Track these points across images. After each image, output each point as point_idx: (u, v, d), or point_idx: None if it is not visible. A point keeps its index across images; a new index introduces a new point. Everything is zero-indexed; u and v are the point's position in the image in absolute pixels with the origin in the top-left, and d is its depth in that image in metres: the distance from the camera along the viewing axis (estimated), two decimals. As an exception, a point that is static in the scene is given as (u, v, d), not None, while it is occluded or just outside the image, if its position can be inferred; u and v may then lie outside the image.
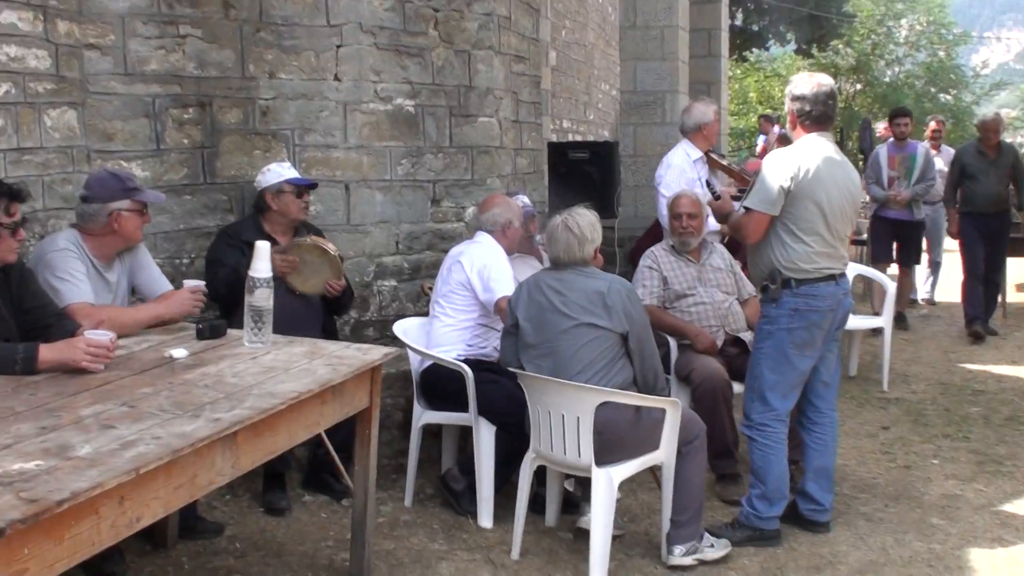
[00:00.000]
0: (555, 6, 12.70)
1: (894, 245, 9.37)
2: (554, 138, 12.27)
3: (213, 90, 5.25)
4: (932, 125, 11.02)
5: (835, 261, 4.52)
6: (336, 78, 5.51)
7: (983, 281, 9.15)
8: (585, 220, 4.37)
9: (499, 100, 6.23)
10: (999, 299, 9.64)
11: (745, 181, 6.24)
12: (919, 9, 31.34)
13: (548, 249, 4.42)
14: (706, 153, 6.42)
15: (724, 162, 6.56)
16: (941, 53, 31.09)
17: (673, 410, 4.22)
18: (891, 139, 9.41)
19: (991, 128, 8.96)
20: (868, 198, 9.31)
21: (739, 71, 31.89)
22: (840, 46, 28.51)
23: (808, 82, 4.56)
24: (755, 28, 23.92)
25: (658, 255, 5.72)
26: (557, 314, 4.22)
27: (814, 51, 25.27)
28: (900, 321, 9.16)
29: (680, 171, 6.29)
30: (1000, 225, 9.11)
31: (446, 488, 4.90)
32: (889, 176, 9.11)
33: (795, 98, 4.54)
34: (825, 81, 4.59)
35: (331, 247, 4.86)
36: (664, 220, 6.01)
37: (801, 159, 4.39)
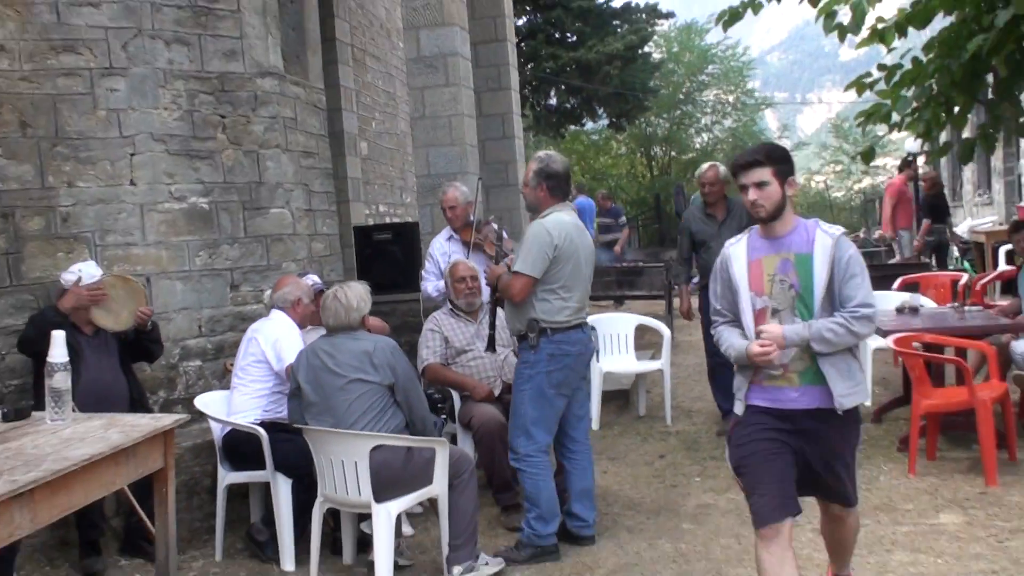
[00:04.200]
0: (363, 101, 13.48)
1: None
2: (371, 222, 12.97)
3: (15, 201, 5.77)
4: None
5: (582, 312, 5.30)
6: (132, 183, 6.09)
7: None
8: (354, 291, 5.05)
9: (289, 192, 6.89)
10: None
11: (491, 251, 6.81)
12: (723, 80, 33.57)
13: (322, 318, 5.07)
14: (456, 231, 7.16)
15: (471, 239, 7.08)
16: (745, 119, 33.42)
17: (442, 449, 4.89)
18: None
19: (707, 181, 7.39)
20: None
21: (562, 146, 33.40)
22: (651, 117, 30.35)
23: (558, 160, 5.32)
24: (568, 106, 25.28)
25: (439, 318, 6.41)
26: (331, 374, 4.87)
27: (624, 124, 26.76)
28: None
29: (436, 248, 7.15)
30: None
31: (252, 540, 5.45)
32: None
33: (550, 175, 5.26)
34: (565, 158, 5.42)
35: (130, 278, 5.48)
36: (435, 291, 6.79)
37: (560, 229, 5.14)
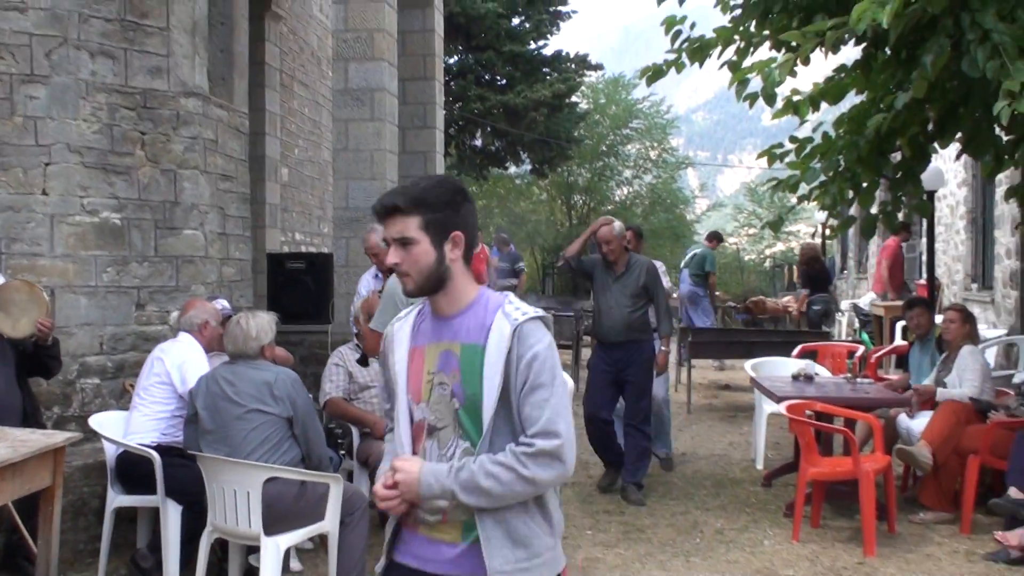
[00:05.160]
0: (288, 127, 13.47)
1: None
2: (286, 250, 12.92)
3: (-81, 202, 5.66)
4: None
5: None
6: (44, 192, 6.01)
7: (625, 429, 7.55)
8: (257, 320, 5.05)
9: (204, 215, 6.86)
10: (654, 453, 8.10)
11: None
12: (646, 136, 34.19)
13: (224, 342, 5.05)
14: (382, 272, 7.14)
15: None
16: (664, 176, 34.09)
17: (336, 485, 4.89)
18: None
19: (603, 239, 7.27)
20: None
21: (484, 188, 33.55)
22: (574, 167, 30.75)
23: None
24: (493, 148, 25.49)
25: (344, 353, 6.43)
26: (229, 402, 4.85)
27: (547, 171, 27.04)
28: None
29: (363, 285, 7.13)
30: (633, 358, 7.35)
31: (136, 567, 5.34)
32: None
33: None
34: None
35: (37, 286, 5.34)
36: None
37: None
